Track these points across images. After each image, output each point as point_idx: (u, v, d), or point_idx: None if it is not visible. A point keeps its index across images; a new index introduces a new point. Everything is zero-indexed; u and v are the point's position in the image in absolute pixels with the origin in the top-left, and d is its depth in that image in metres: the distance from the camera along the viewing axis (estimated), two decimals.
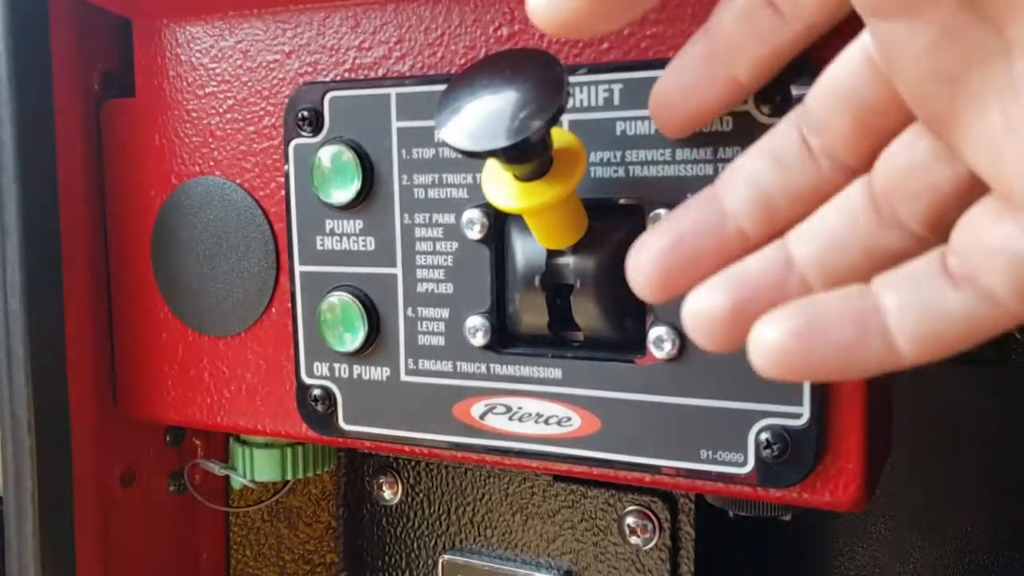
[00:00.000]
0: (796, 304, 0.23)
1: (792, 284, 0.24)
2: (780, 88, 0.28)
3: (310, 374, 0.37)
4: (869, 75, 0.23)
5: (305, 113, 0.36)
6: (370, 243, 0.35)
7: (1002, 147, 0.20)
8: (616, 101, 0.31)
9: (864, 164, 0.24)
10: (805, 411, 0.30)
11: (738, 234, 0.26)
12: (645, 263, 0.26)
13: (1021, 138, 0.19)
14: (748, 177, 0.26)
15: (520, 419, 0.34)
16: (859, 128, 0.24)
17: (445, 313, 0.34)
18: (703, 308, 0.24)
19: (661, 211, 0.30)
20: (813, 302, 0.23)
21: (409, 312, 0.35)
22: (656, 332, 0.31)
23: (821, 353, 0.22)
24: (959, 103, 0.20)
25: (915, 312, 0.22)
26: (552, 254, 0.32)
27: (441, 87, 0.33)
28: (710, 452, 0.31)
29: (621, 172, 0.31)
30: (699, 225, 0.26)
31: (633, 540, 0.40)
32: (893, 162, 0.23)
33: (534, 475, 0.42)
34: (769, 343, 0.22)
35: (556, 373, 0.33)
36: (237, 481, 0.47)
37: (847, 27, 0.23)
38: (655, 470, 0.32)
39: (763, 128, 0.26)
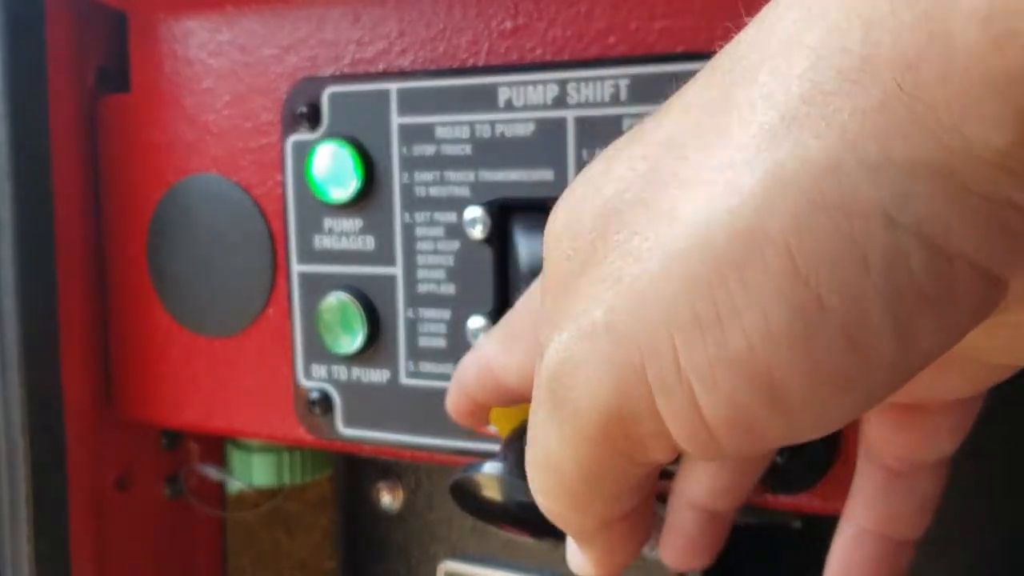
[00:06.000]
0: (835, 572, 0.27)
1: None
2: None
3: (308, 376, 0.36)
4: None
5: (303, 109, 0.35)
6: (370, 242, 0.35)
7: None
8: (623, 96, 0.30)
9: None
10: None
11: None
12: None
13: None
14: None
15: None
16: None
17: (446, 314, 0.34)
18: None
19: None
20: (842, 563, 0.26)
21: (409, 313, 0.34)
22: None
23: None
24: None
25: (921, 516, 0.26)
26: None
27: (443, 82, 0.33)
28: None
29: None
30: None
31: None
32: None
33: None
34: None
35: None
36: (234, 485, 0.46)
37: None
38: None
39: None
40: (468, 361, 0.28)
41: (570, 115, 0.31)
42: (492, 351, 0.26)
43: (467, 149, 0.33)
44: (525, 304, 0.26)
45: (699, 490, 0.28)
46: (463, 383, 0.28)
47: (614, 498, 0.19)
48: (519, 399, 0.26)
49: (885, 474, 0.25)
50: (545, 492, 0.19)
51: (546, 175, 0.31)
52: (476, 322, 0.33)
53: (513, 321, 0.26)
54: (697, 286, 0.15)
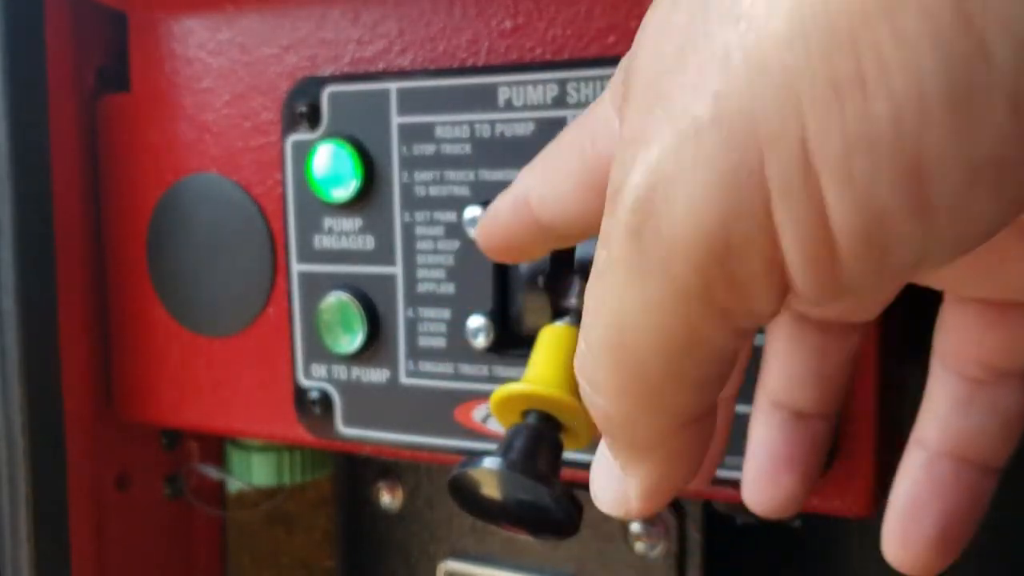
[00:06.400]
0: (904, 506, 0.23)
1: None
2: None
3: (308, 376, 0.36)
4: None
5: (303, 108, 0.35)
6: (369, 242, 0.35)
7: None
8: None
9: None
10: None
11: None
12: None
13: None
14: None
15: None
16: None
17: (446, 314, 0.34)
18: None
19: None
20: (911, 495, 0.23)
21: (409, 313, 0.34)
22: None
23: (957, 533, 0.22)
24: None
25: (1005, 437, 0.22)
26: (556, 253, 0.31)
27: (443, 82, 0.33)
28: None
29: None
30: None
31: (639, 547, 0.39)
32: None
33: None
34: (920, 557, 0.23)
35: None
36: (234, 485, 0.46)
37: None
38: None
39: None
40: (504, 195, 0.25)
41: (570, 115, 0.31)
42: (531, 181, 0.24)
43: (467, 149, 0.33)
44: (569, 136, 0.23)
45: (781, 380, 0.25)
46: (498, 214, 0.25)
47: (697, 386, 0.16)
48: (550, 236, 0.24)
49: (966, 385, 0.22)
50: (609, 386, 0.16)
51: None
52: (476, 321, 0.33)
53: (556, 152, 0.23)
54: (836, 39, 0.12)
